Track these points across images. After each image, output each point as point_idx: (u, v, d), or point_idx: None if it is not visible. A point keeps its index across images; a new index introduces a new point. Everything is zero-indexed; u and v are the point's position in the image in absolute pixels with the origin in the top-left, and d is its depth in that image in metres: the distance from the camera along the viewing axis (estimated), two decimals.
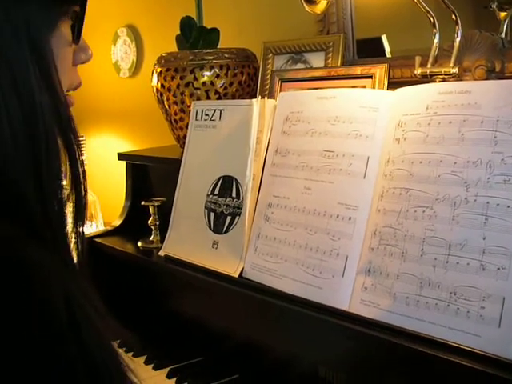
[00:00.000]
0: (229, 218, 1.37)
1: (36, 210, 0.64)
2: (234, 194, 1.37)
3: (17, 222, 0.60)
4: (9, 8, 0.62)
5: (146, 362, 1.41)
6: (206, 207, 1.43)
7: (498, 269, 0.92)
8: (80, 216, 0.71)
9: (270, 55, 1.70)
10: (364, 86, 1.32)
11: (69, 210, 0.70)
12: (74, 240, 0.71)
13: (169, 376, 1.34)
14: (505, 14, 1.39)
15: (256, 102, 1.38)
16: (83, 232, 0.73)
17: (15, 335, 0.54)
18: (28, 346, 0.54)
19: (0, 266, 0.55)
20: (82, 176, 0.71)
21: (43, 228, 0.64)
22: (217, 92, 1.69)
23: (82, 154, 0.71)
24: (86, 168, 0.71)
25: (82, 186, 0.71)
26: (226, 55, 1.69)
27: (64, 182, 0.68)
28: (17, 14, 0.62)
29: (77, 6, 0.71)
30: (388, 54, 1.65)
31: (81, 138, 2.39)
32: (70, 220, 0.70)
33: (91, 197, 2.46)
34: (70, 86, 0.75)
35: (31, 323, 0.54)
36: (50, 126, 0.65)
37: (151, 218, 1.65)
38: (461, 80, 1.22)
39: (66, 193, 0.69)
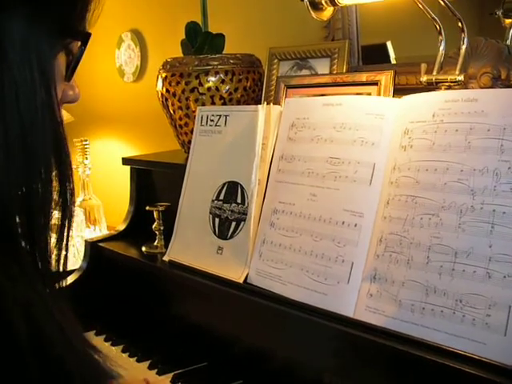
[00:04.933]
0: (234, 223, 1.37)
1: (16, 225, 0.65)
2: (239, 200, 1.37)
3: None
4: (23, 31, 0.63)
5: (150, 367, 1.40)
6: (210, 212, 1.44)
7: (505, 277, 0.93)
8: (63, 233, 0.72)
9: (276, 61, 1.71)
10: (369, 93, 1.33)
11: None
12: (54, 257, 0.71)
13: (173, 381, 1.34)
14: (510, 21, 1.39)
15: (262, 108, 1.38)
16: (66, 256, 0.73)
17: None
18: None
19: None
20: (70, 199, 0.71)
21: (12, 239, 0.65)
22: (222, 97, 1.69)
23: (72, 175, 0.71)
24: (74, 191, 0.72)
25: (70, 210, 0.72)
26: (232, 61, 1.69)
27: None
28: (30, 37, 0.64)
29: (78, 42, 0.72)
30: (393, 61, 1.65)
31: (85, 142, 2.36)
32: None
33: (95, 201, 2.46)
34: None
35: None
36: (46, 143, 0.66)
37: (155, 223, 1.65)
38: (466, 87, 1.22)
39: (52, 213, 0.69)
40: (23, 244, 0.65)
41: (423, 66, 1.25)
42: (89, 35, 0.73)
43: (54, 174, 0.69)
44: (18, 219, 0.65)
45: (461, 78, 1.19)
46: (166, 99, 1.75)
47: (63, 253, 0.73)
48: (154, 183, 1.84)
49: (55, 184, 0.69)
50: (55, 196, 0.69)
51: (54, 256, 0.71)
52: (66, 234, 0.72)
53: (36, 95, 0.64)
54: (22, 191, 0.65)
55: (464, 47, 1.22)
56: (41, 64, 0.65)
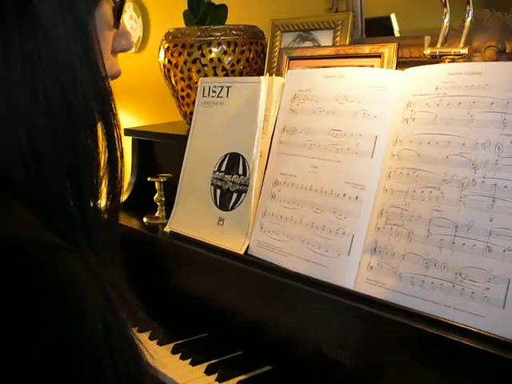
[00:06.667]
0: (235, 195, 1.37)
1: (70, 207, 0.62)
2: (240, 171, 1.37)
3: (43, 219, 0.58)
4: None
5: (151, 338, 1.42)
6: (212, 184, 1.44)
7: (504, 251, 0.93)
8: (114, 202, 0.69)
9: (278, 33, 1.70)
10: (372, 66, 1.32)
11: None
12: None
13: (173, 352, 1.35)
14: None
15: (264, 80, 1.37)
16: (117, 220, 0.71)
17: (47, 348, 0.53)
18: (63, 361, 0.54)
19: (30, 276, 0.53)
20: (119, 157, 0.68)
21: (77, 227, 0.62)
22: (224, 69, 1.68)
23: (120, 133, 0.68)
24: (123, 152, 0.68)
25: (119, 169, 0.68)
26: (234, 32, 1.68)
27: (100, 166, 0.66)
28: None
29: None
30: (397, 34, 1.64)
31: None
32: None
33: None
34: (109, 73, 0.69)
35: (68, 336, 0.54)
36: (88, 100, 0.63)
37: (157, 194, 1.65)
38: (470, 61, 1.21)
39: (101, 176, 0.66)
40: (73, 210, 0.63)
41: (427, 39, 1.24)
42: None
43: (100, 132, 0.66)
44: (66, 181, 0.62)
45: (465, 51, 1.18)
46: (168, 70, 1.74)
47: (113, 220, 0.70)
48: (156, 154, 1.84)
49: (102, 144, 0.66)
50: (103, 158, 0.66)
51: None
52: (115, 204, 0.70)
53: (72, 50, 0.62)
54: (68, 152, 0.62)
55: (469, 20, 1.21)
56: (76, 17, 0.62)
